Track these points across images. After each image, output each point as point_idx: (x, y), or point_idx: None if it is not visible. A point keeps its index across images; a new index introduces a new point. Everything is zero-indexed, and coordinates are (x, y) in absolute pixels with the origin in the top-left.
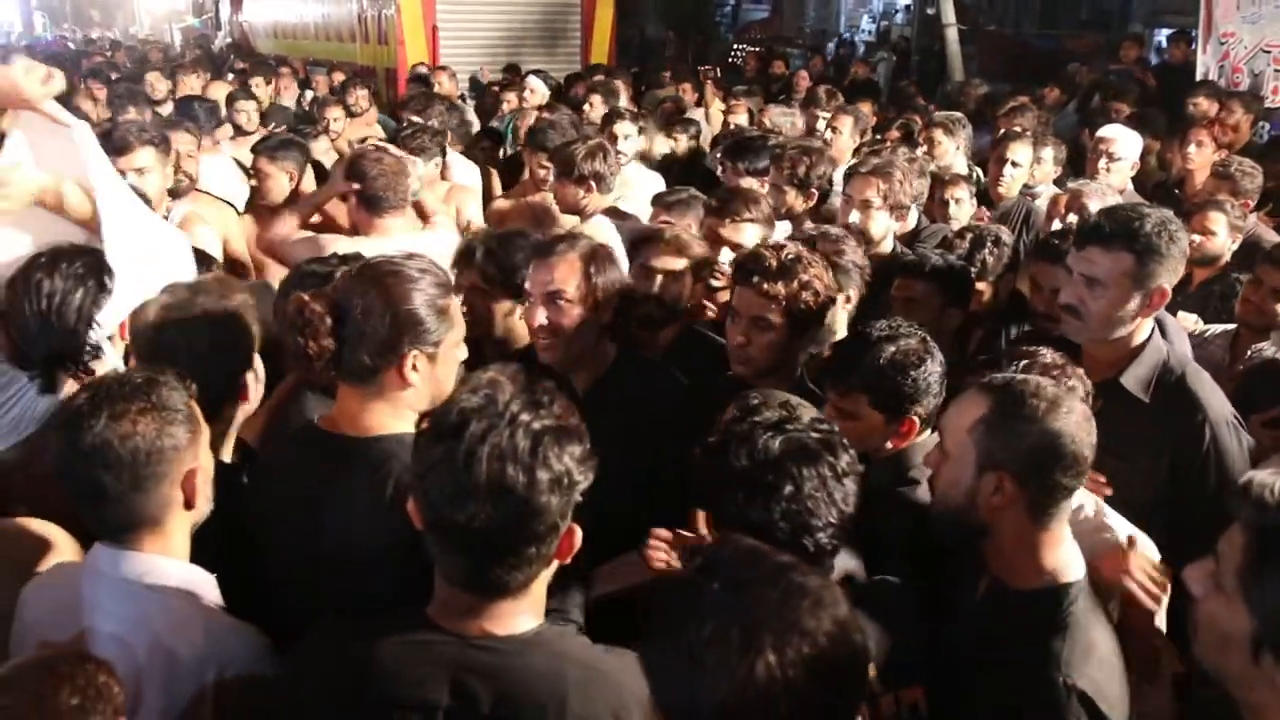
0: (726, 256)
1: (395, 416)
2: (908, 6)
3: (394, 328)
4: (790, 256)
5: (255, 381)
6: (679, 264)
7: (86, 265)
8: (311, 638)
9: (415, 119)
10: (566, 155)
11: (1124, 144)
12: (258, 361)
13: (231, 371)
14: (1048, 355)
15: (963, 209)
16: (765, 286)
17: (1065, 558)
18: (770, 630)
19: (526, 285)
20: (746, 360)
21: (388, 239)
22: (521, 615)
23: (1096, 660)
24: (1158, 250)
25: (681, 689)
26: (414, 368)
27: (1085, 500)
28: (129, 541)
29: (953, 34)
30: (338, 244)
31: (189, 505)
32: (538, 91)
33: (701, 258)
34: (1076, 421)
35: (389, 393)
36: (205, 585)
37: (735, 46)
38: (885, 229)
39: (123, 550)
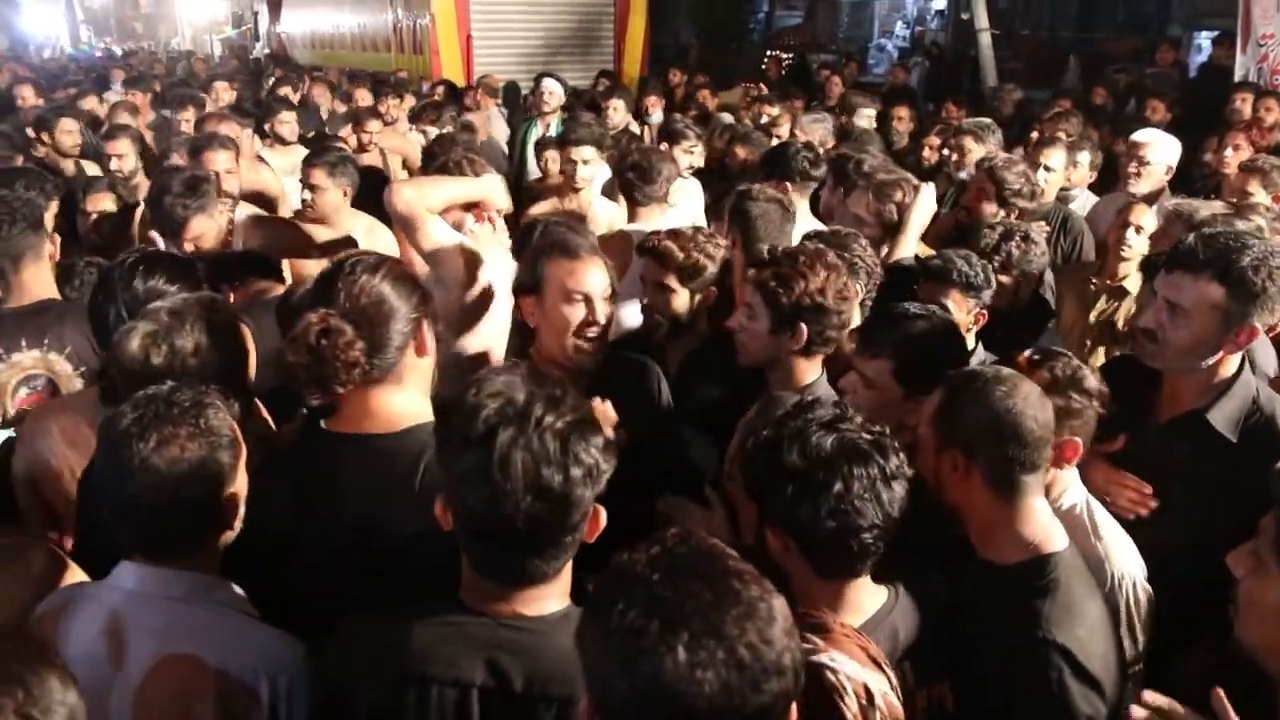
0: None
1: (412, 403)
2: (941, 12)
3: (412, 302)
4: (793, 252)
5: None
6: (664, 277)
7: None
8: (348, 624)
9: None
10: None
11: (1156, 148)
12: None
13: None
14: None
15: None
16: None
17: (1045, 531)
18: (688, 629)
19: (563, 285)
20: (742, 348)
21: None
22: (551, 598)
23: (1080, 620)
24: (1252, 288)
25: (600, 671)
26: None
27: (1077, 498)
28: (165, 560)
29: (985, 39)
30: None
31: (227, 526)
32: (556, 94)
33: (701, 272)
34: (1023, 398)
35: (407, 375)
36: (241, 599)
37: (768, 53)
38: None
39: (159, 568)
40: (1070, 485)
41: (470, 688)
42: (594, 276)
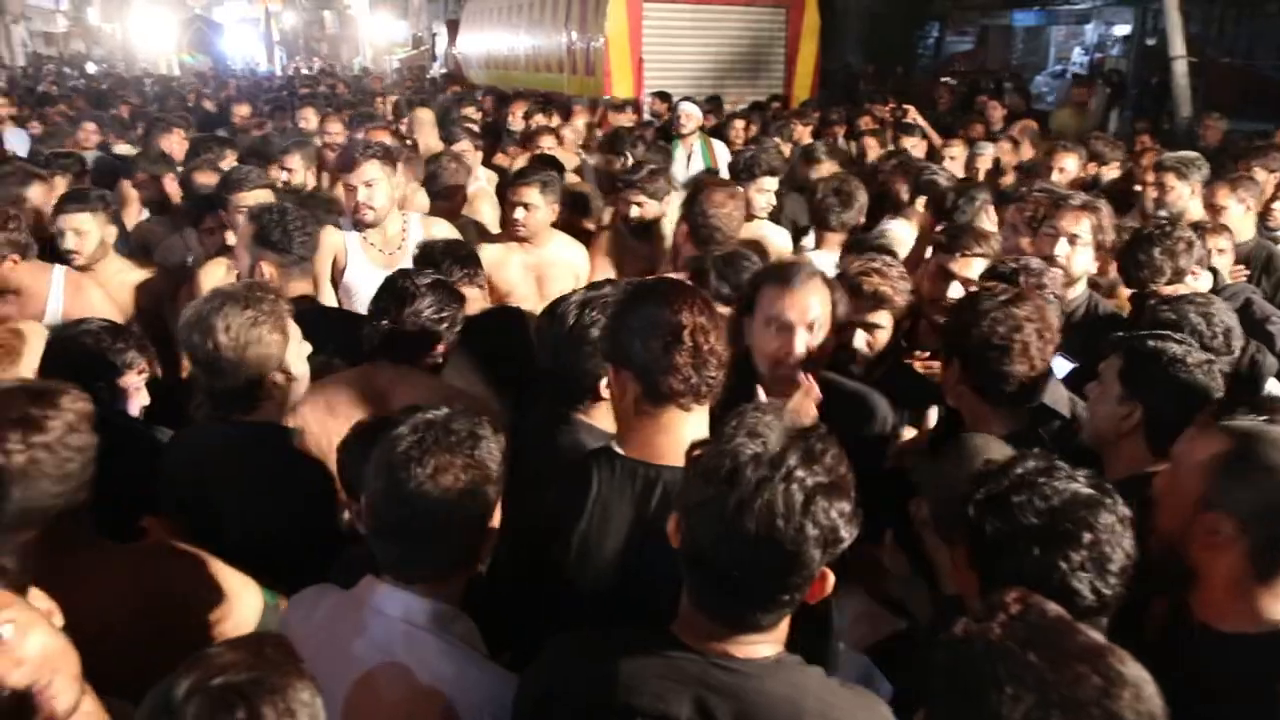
0: (955, 290)
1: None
2: (1125, 37)
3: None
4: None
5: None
6: (881, 318)
7: None
8: (557, 646)
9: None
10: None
11: None
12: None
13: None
14: None
15: (1225, 259)
16: None
17: None
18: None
19: (769, 311)
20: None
21: None
22: (763, 643)
23: None
24: None
25: None
26: None
27: None
28: (415, 583)
29: (1181, 66)
30: None
31: (478, 560)
32: (694, 117)
33: (904, 308)
34: None
35: (705, 410)
36: (473, 633)
37: (939, 80)
38: (1085, 268)
39: (406, 591)
40: None
41: None
42: (798, 306)
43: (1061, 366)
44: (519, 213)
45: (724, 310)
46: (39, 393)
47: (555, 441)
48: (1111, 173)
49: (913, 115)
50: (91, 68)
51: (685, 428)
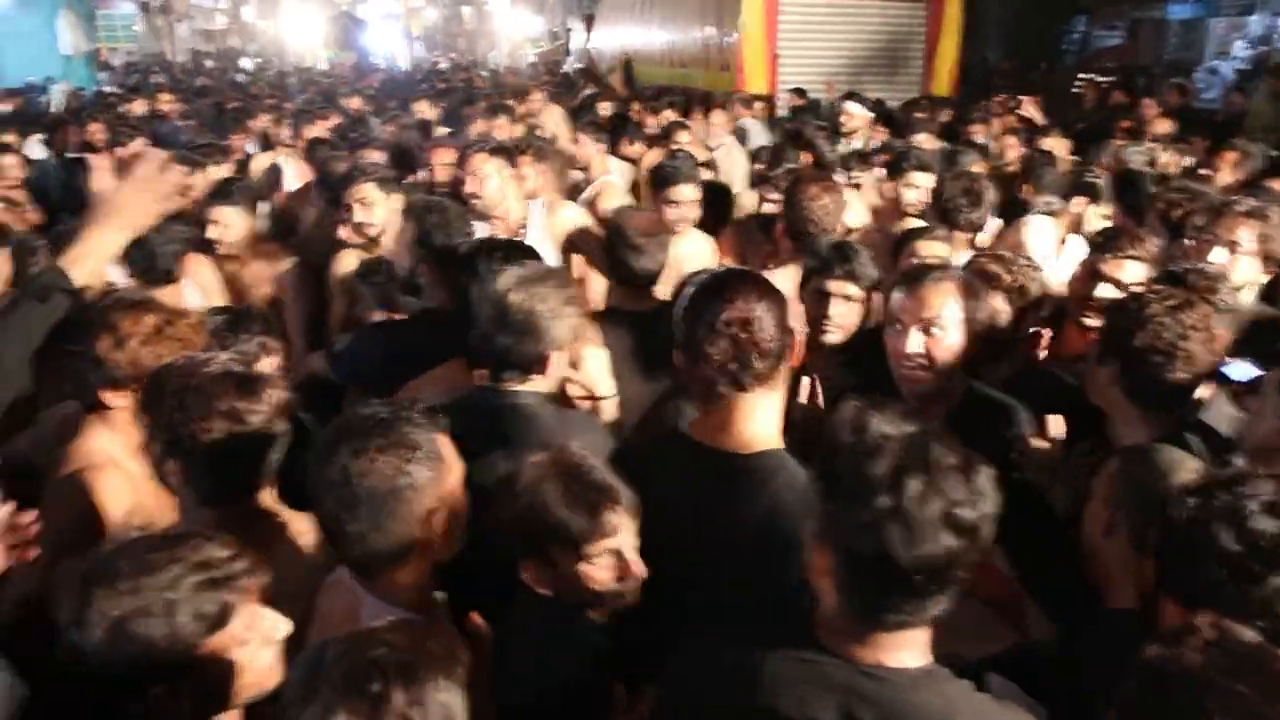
0: (1103, 291)
1: (769, 425)
2: None
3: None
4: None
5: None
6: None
7: None
8: (696, 645)
9: None
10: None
11: None
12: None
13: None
14: None
15: None
16: None
17: None
18: None
19: (894, 310)
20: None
21: None
22: (913, 650)
23: None
24: None
25: None
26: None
27: None
28: (367, 576)
29: None
30: None
31: (432, 545)
32: (856, 115)
33: (1030, 296)
34: None
35: (768, 397)
36: None
37: (1081, 76)
38: (1247, 278)
39: (361, 587)
40: None
41: None
42: (913, 306)
43: (1246, 371)
44: (685, 210)
45: (857, 294)
46: (245, 382)
47: (660, 411)
48: None
49: (1026, 108)
50: (246, 63)
51: (741, 414)
